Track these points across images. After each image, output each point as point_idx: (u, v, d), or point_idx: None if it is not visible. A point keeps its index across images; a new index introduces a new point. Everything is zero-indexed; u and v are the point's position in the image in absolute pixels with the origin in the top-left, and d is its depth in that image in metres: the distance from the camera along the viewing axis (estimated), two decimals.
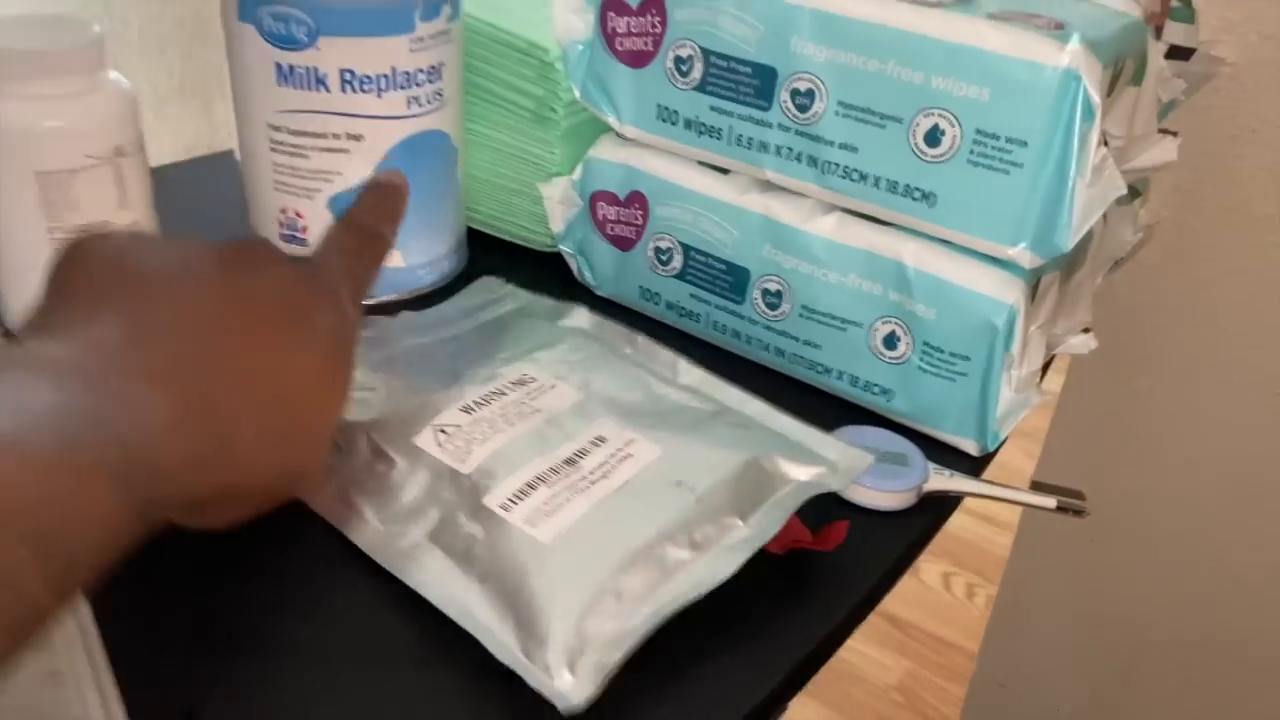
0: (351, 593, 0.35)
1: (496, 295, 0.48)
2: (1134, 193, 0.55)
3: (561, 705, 0.30)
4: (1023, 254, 0.40)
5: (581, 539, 0.33)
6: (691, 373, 0.42)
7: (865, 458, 0.38)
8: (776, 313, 0.47)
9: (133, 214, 0.43)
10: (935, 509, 0.43)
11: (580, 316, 0.45)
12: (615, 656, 0.30)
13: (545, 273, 0.53)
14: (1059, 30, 0.38)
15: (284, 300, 0.28)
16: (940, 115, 0.40)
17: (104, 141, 0.41)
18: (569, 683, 0.30)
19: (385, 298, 0.50)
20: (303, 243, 0.48)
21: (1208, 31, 0.52)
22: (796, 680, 0.36)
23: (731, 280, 0.48)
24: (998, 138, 0.39)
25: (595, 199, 0.51)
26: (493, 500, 0.34)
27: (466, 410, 0.37)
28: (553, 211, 0.52)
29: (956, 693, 1.27)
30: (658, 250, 0.50)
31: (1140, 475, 0.63)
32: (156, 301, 0.26)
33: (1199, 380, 0.59)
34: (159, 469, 0.23)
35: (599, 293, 0.53)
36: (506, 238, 0.55)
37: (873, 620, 1.42)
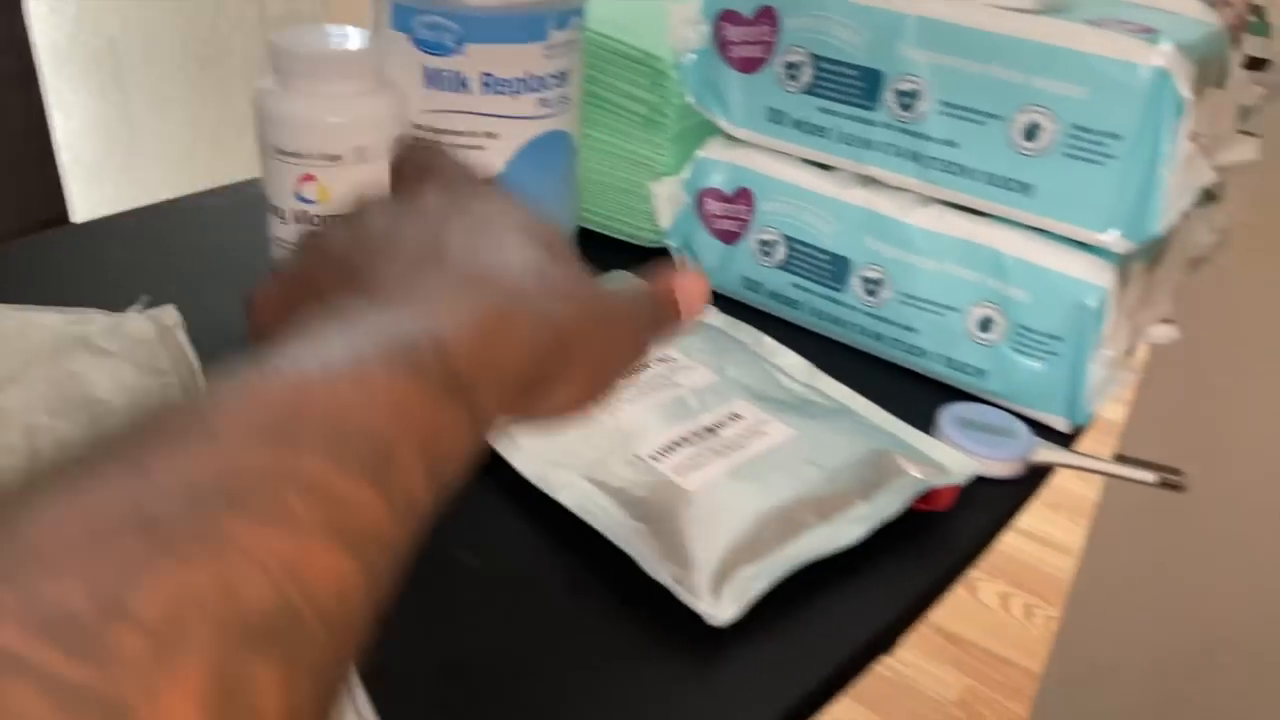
0: (504, 520, 0.39)
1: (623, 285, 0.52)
2: (1211, 196, 0.57)
3: (709, 620, 0.33)
4: (1115, 239, 0.44)
5: (723, 493, 0.36)
6: (814, 374, 0.46)
7: (972, 464, 0.41)
8: (876, 299, 0.50)
9: None
10: (1036, 477, 0.46)
11: (711, 314, 0.49)
12: (757, 587, 0.34)
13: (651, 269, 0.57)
14: (1150, 34, 0.42)
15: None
16: (1039, 112, 0.44)
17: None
18: (713, 603, 0.33)
19: None
20: None
21: None
22: (906, 619, 0.39)
23: (833, 269, 0.51)
24: (1093, 131, 0.43)
25: (703, 196, 0.55)
26: (644, 450, 0.37)
27: None
28: (661, 209, 0.56)
29: (1017, 710, 1.28)
30: (762, 242, 0.53)
31: (1214, 471, 0.66)
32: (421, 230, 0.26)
33: (1271, 379, 0.61)
34: (507, 375, 0.23)
35: None
36: (616, 235, 0.59)
37: (931, 637, 1.44)
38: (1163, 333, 0.51)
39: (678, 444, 0.38)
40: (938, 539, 0.41)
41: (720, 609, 0.34)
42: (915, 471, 0.40)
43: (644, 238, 0.58)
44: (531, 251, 0.27)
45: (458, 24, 0.47)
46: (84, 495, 0.16)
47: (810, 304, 0.53)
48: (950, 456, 0.42)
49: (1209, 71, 0.44)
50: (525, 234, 0.27)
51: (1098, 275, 0.44)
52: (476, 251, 0.26)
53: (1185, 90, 0.41)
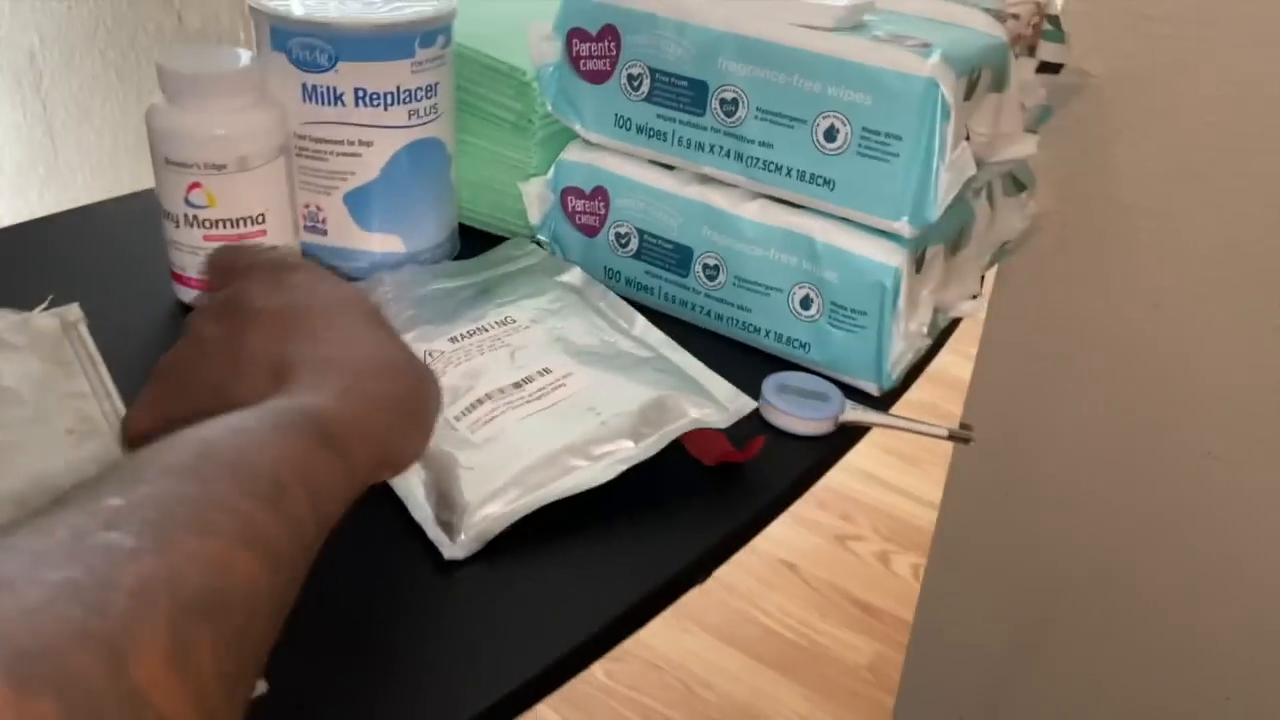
0: None
1: (519, 253, 0.58)
2: (1020, 185, 0.65)
3: (446, 555, 0.39)
4: (904, 226, 0.51)
5: (504, 442, 0.42)
6: (643, 326, 0.52)
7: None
8: (715, 283, 0.57)
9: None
10: (848, 436, 0.53)
11: (574, 274, 0.56)
12: (497, 528, 0.40)
13: None
14: (925, 48, 0.49)
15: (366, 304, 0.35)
16: (835, 116, 0.50)
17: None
18: (451, 541, 0.40)
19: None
20: (323, 232, 0.58)
21: (1078, 49, 0.63)
22: (709, 560, 0.45)
23: (678, 257, 0.58)
24: (879, 133, 0.49)
25: (565, 194, 0.61)
26: (450, 411, 0.43)
27: (453, 340, 0.47)
28: (531, 206, 0.62)
29: None
30: (618, 235, 0.60)
31: (1049, 434, 0.73)
32: (302, 320, 0.33)
33: (1090, 347, 0.69)
34: (367, 436, 0.30)
35: None
36: (495, 230, 0.65)
37: (846, 607, 1.52)
38: (969, 307, 0.59)
39: (480, 401, 0.44)
40: (744, 487, 0.48)
41: (456, 549, 0.39)
42: (694, 412, 0.45)
43: (520, 232, 0.64)
44: (368, 332, 0.33)
45: (330, 44, 0.53)
46: (67, 517, 0.22)
47: (662, 289, 0.59)
48: (730, 396, 0.47)
49: (982, 78, 0.51)
50: (357, 314, 0.34)
51: (891, 258, 0.51)
52: (327, 343, 0.32)
53: (950, 96, 0.47)
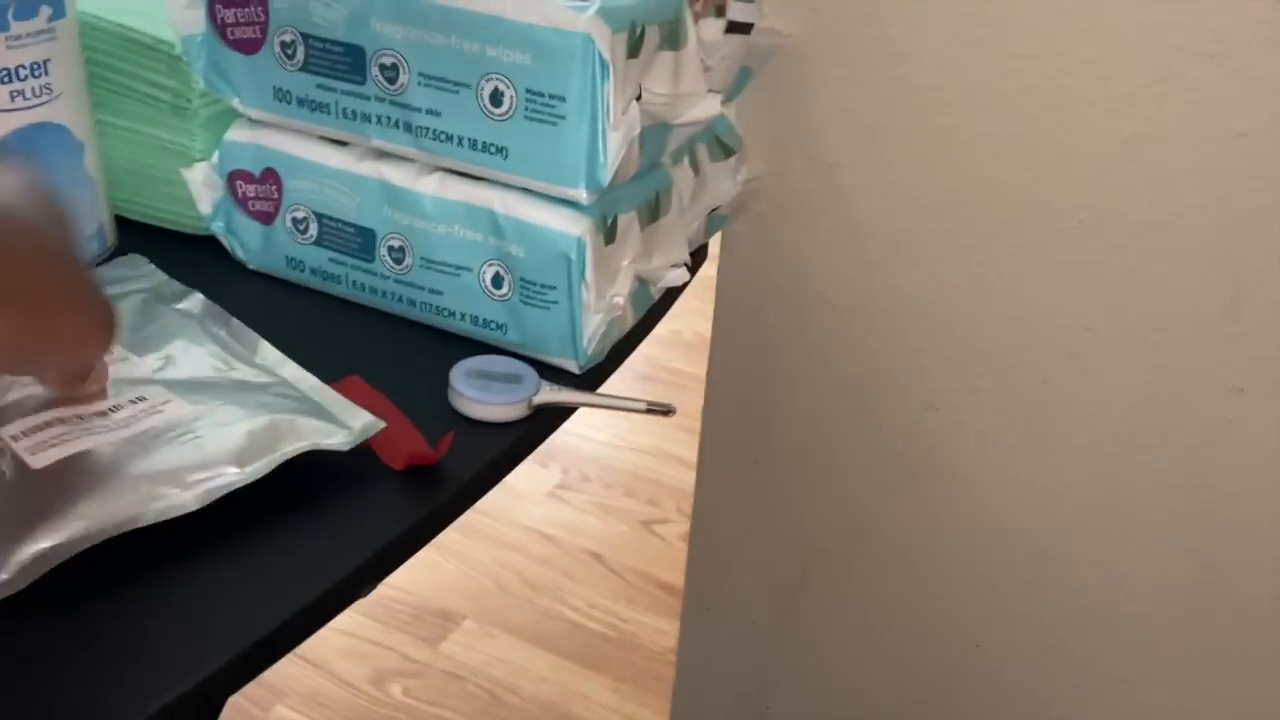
0: None
1: (134, 274, 0.51)
2: (727, 150, 0.63)
3: None
4: (580, 193, 0.48)
5: (70, 469, 0.37)
6: (268, 353, 0.46)
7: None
8: (402, 266, 0.53)
9: None
10: (549, 419, 0.49)
11: (193, 301, 0.49)
12: (53, 560, 0.35)
13: (202, 255, 0.57)
14: (582, 3, 0.46)
15: None
16: (498, 79, 0.47)
17: None
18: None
19: None
20: None
21: (769, 7, 0.61)
22: (375, 568, 0.41)
23: (361, 241, 0.53)
24: (543, 95, 0.46)
25: (233, 178, 0.55)
26: (8, 430, 0.38)
27: None
28: (198, 195, 0.56)
29: None
30: (295, 220, 0.54)
31: (787, 395, 0.73)
32: None
33: (816, 308, 0.69)
34: None
35: (251, 267, 0.57)
36: (162, 224, 0.59)
37: (651, 591, 1.49)
38: (677, 276, 0.56)
39: (49, 423, 0.38)
40: (429, 483, 0.44)
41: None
42: (314, 436, 0.41)
43: (189, 225, 0.58)
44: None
45: None
46: None
47: (349, 277, 0.54)
48: (361, 419, 0.42)
49: (647, 35, 0.48)
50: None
51: (573, 227, 0.48)
52: None
53: (608, 53, 0.45)
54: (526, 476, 1.60)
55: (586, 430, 1.71)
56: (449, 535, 1.61)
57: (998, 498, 0.68)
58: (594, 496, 1.60)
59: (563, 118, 0.46)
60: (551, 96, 0.46)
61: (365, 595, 0.41)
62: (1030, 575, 0.69)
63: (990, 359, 0.65)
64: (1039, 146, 0.58)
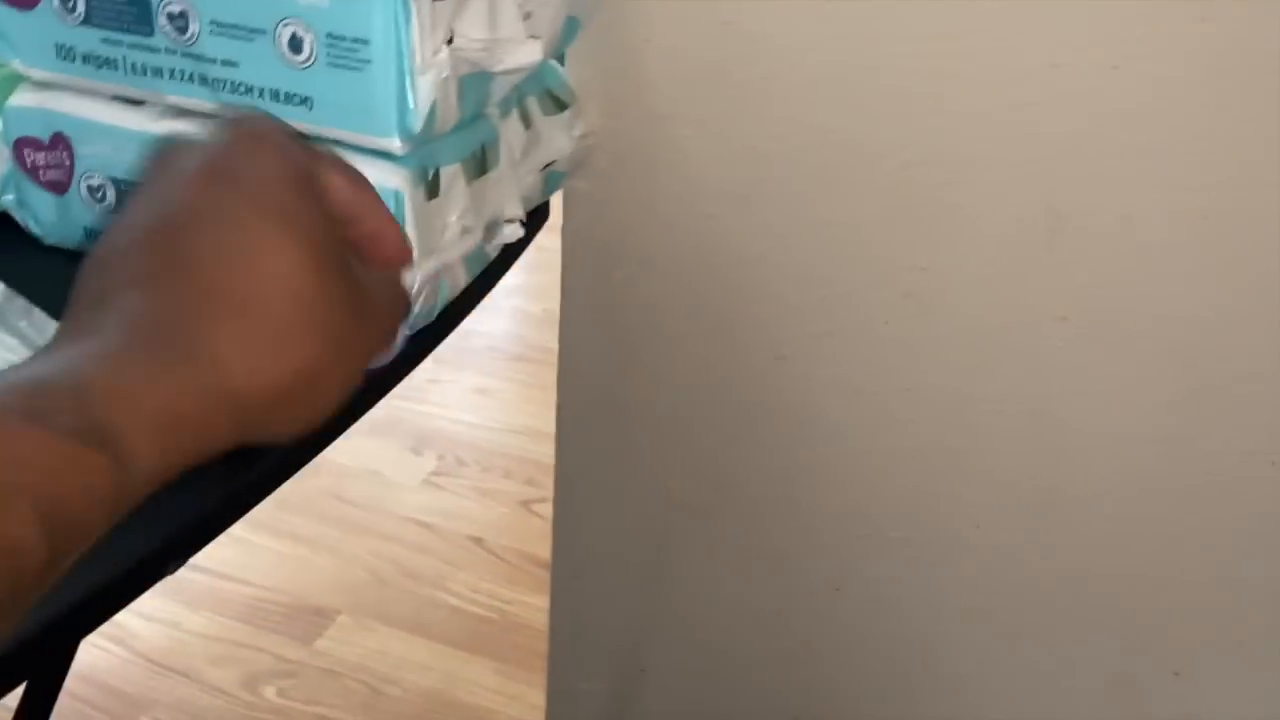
0: None
1: None
2: (560, 104, 0.62)
3: None
4: (393, 143, 0.46)
5: None
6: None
7: None
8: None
9: None
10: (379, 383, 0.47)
11: None
12: None
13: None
14: None
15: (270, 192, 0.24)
16: (296, 24, 0.44)
17: None
18: None
19: None
20: None
21: None
22: (182, 546, 0.38)
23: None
24: (345, 39, 0.44)
25: (20, 146, 0.51)
26: None
27: None
28: None
29: None
30: (90, 189, 0.51)
31: (637, 351, 0.72)
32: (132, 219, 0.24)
33: (660, 262, 0.68)
34: (143, 396, 0.21)
35: (48, 242, 0.53)
36: None
37: (532, 570, 1.46)
38: (510, 231, 0.55)
39: None
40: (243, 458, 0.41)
41: None
42: None
43: None
44: (283, 261, 0.24)
45: None
46: None
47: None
48: None
49: None
50: (284, 231, 0.24)
51: (389, 180, 0.46)
52: (215, 266, 0.23)
53: None
54: (400, 466, 1.56)
55: (459, 414, 1.68)
56: (321, 530, 1.56)
57: (848, 442, 0.70)
58: (471, 481, 1.57)
59: (368, 62, 0.44)
60: (354, 40, 0.44)
61: (171, 573, 0.38)
62: (882, 516, 0.71)
63: (832, 304, 0.66)
64: (862, 90, 0.59)
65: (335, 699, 1.21)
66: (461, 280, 0.52)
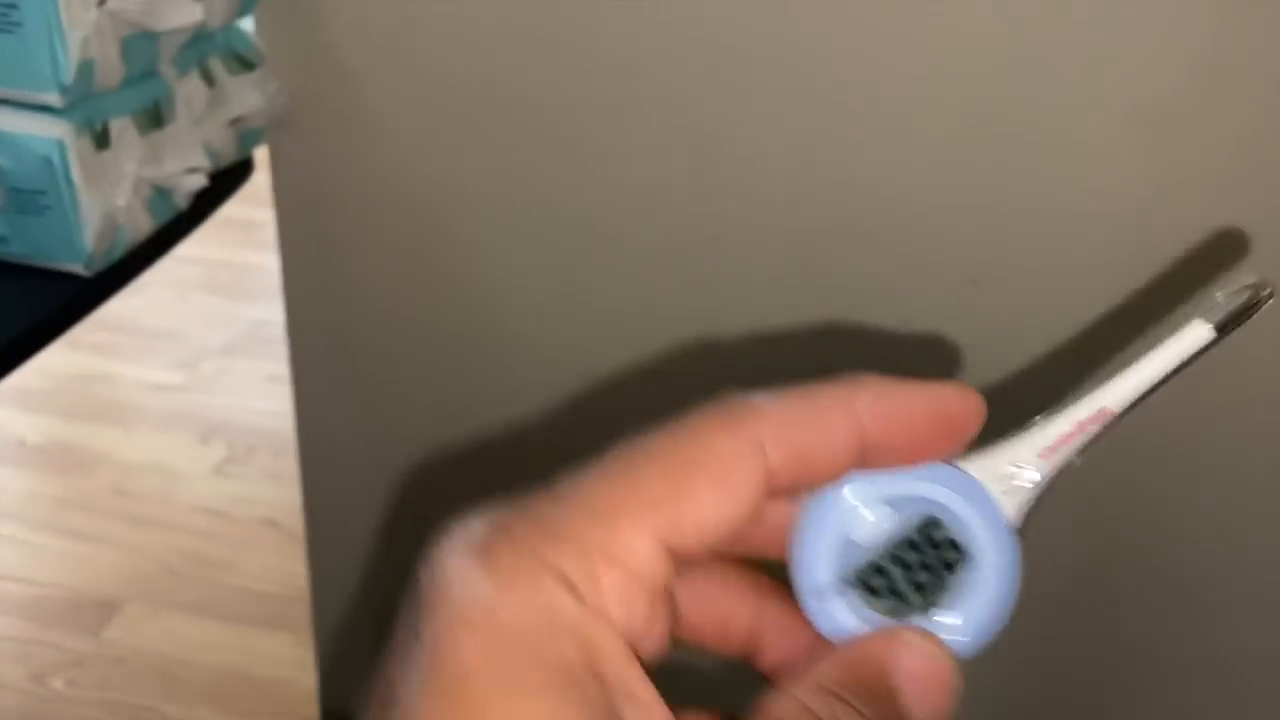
0: None
1: None
2: (247, 63, 0.67)
3: None
4: (53, 97, 0.50)
5: None
6: None
7: None
8: None
9: None
10: None
11: None
12: None
13: None
14: None
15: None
16: None
17: None
18: None
19: None
20: None
21: None
22: None
23: None
24: None
25: None
26: None
27: None
28: None
29: None
30: None
31: (364, 307, 0.78)
32: None
33: (376, 222, 0.74)
34: None
35: None
36: None
37: None
38: (193, 181, 0.60)
39: None
40: None
41: None
42: None
43: None
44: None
45: None
46: None
47: None
48: None
49: None
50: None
51: (50, 131, 0.51)
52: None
53: None
54: (188, 457, 1.56)
55: (249, 402, 1.69)
56: (105, 526, 1.55)
57: (558, 367, 0.78)
58: (263, 466, 1.58)
59: (19, 25, 0.49)
60: (5, 6, 0.48)
61: None
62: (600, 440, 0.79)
63: (527, 237, 0.73)
64: (536, 41, 0.66)
65: (126, 684, 1.22)
66: (145, 225, 0.57)
